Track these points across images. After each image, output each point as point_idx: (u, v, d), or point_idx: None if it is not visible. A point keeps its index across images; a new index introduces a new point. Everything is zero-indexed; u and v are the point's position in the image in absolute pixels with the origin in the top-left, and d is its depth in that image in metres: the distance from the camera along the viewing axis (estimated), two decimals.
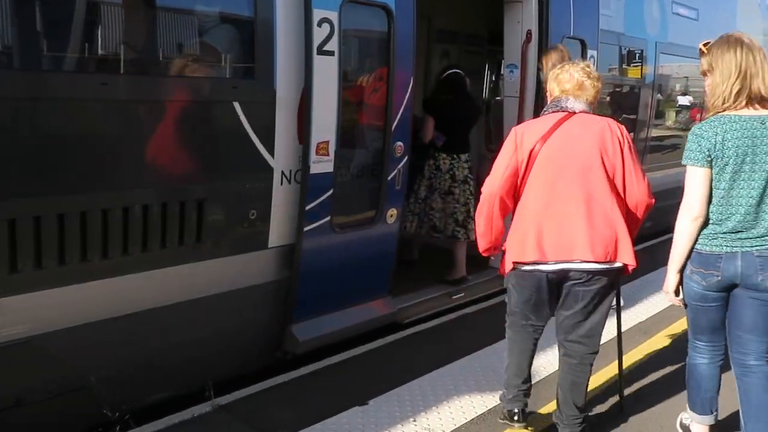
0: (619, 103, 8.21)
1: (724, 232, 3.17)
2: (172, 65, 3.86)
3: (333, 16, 4.33)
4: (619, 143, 3.35)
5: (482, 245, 3.62)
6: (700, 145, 3.13)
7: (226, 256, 4.18)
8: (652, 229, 7.31)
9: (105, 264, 3.62)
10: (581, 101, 3.44)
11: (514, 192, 3.43)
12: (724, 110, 3.15)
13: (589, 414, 3.81)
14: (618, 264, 3.31)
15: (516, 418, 3.64)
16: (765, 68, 3.11)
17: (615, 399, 4.12)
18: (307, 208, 4.46)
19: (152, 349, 3.98)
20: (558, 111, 3.45)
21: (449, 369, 4.59)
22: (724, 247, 3.16)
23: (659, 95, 8.57)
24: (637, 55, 7.96)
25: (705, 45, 3.28)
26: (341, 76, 4.46)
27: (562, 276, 3.32)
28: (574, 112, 3.40)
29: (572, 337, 3.47)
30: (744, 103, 3.13)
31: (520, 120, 6.40)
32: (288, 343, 4.66)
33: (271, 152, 4.26)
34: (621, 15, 7.63)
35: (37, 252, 3.35)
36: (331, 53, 4.36)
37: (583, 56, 6.84)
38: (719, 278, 3.18)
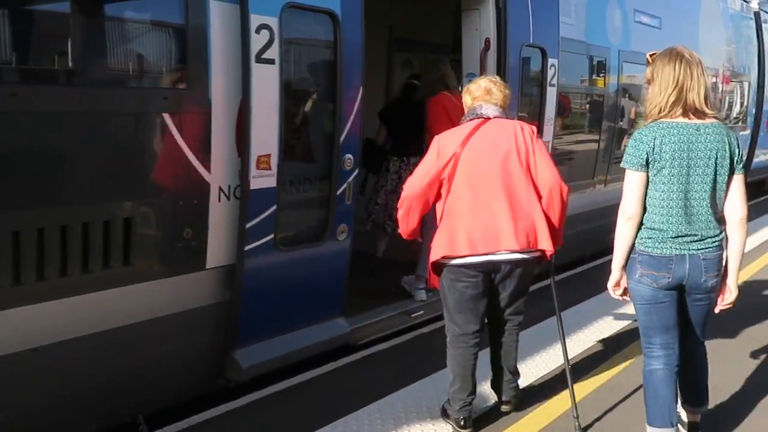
0: (584, 113, 8.07)
1: (671, 237, 3.30)
2: (95, 74, 3.57)
3: (272, 22, 4.09)
4: (531, 140, 3.71)
5: (402, 230, 3.98)
6: (638, 150, 3.28)
7: (159, 279, 3.89)
8: None
9: (18, 291, 3.31)
10: (492, 105, 3.80)
11: (434, 194, 3.74)
12: (660, 118, 3.30)
13: None
14: (538, 251, 3.67)
15: (463, 424, 3.80)
16: (701, 82, 3.28)
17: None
18: (248, 225, 4.19)
19: (77, 380, 3.66)
20: (475, 118, 3.79)
21: (402, 394, 4.32)
22: (674, 250, 3.30)
23: (624, 104, 8.44)
24: (600, 63, 7.83)
25: (651, 55, 3.44)
26: (283, 85, 4.20)
27: (492, 267, 3.62)
28: (489, 118, 3.75)
29: (504, 315, 3.86)
30: (679, 113, 3.28)
31: None
32: (230, 370, 4.37)
33: (207, 167, 3.99)
34: (583, 23, 7.49)
35: None
36: (271, 61, 4.11)
37: (544, 65, 6.69)
38: (669, 279, 3.32)
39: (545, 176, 3.68)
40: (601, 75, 7.95)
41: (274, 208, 4.31)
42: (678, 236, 3.27)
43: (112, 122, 3.57)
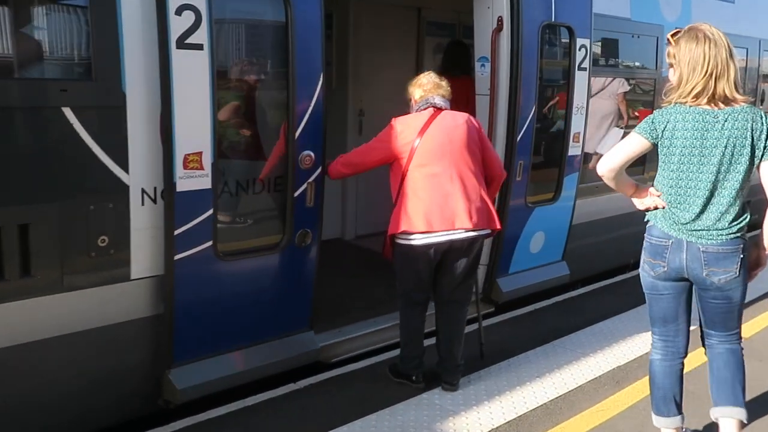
0: (631, 103, 7.08)
1: (672, 222, 3.20)
2: None
3: (199, 2, 3.59)
4: (479, 132, 4.16)
5: (332, 174, 4.31)
6: (653, 123, 3.18)
7: (69, 291, 3.51)
8: None
9: None
10: (440, 97, 4.13)
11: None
12: (679, 102, 3.15)
13: None
14: (489, 230, 4.11)
15: (415, 379, 4.21)
16: (731, 67, 3.09)
17: None
18: (178, 232, 3.74)
19: None
20: (428, 107, 4.09)
21: (358, 426, 3.77)
22: (672, 232, 3.19)
23: None
24: (650, 45, 6.84)
25: (673, 35, 3.21)
26: (215, 74, 3.70)
27: (448, 245, 3.96)
28: (441, 108, 4.10)
29: (453, 297, 4.18)
30: (704, 102, 3.12)
31: (491, 122, 5.49)
32: (166, 391, 3.95)
33: (124, 167, 3.56)
34: None
35: None
36: (198, 47, 3.62)
37: (571, 46, 5.85)
38: (665, 269, 3.23)
39: (495, 167, 4.25)
40: (652, 58, 6.95)
41: (210, 212, 3.83)
42: (679, 223, 3.18)
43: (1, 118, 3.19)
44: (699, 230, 3.15)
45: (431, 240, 3.94)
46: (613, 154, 3.24)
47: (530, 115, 5.58)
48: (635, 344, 4.88)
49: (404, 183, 3.99)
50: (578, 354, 4.72)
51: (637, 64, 7.06)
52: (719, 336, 3.36)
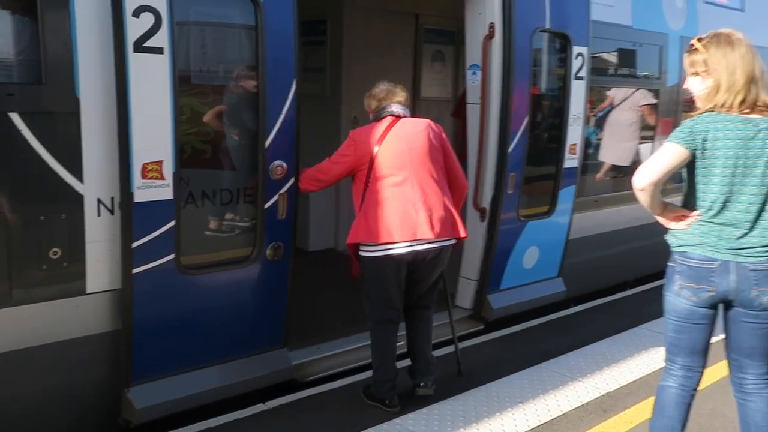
0: (637, 114, 6.82)
1: (715, 241, 2.94)
2: None
3: (159, 3, 3.41)
4: (441, 139, 4.03)
5: (302, 187, 4.16)
6: (692, 131, 2.91)
7: (19, 306, 3.34)
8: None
9: None
10: (398, 104, 4.04)
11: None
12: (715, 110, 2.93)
13: None
14: (453, 239, 4.00)
15: (389, 403, 4.02)
16: (765, 74, 2.94)
17: None
18: (136, 244, 3.56)
19: None
20: (386, 116, 4.00)
21: None
22: (717, 254, 2.93)
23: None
24: (653, 54, 6.59)
25: (700, 41, 3.01)
26: (176, 79, 3.52)
27: (409, 256, 3.86)
28: (399, 116, 3.99)
29: (420, 303, 4.15)
30: (745, 110, 2.91)
31: (482, 131, 5.28)
32: (125, 410, 3.76)
33: (78, 176, 3.39)
34: (628, 4, 6.29)
35: None
36: (158, 50, 3.44)
37: (567, 54, 5.62)
38: (712, 293, 2.96)
39: (459, 175, 4.15)
40: (655, 68, 6.70)
41: (171, 224, 3.65)
42: (725, 242, 2.92)
43: None
44: (748, 248, 2.90)
45: (393, 251, 3.82)
46: (652, 167, 2.94)
47: (523, 126, 5.36)
48: (627, 369, 4.61)
49: (365, 194, 3.88)
50: (566, 378, 4.47)
51: (639, 73, 6.80)
52: (759, 375, 3.03)
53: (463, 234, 4.01)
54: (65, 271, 3.45)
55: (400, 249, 3.82)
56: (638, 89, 6.74)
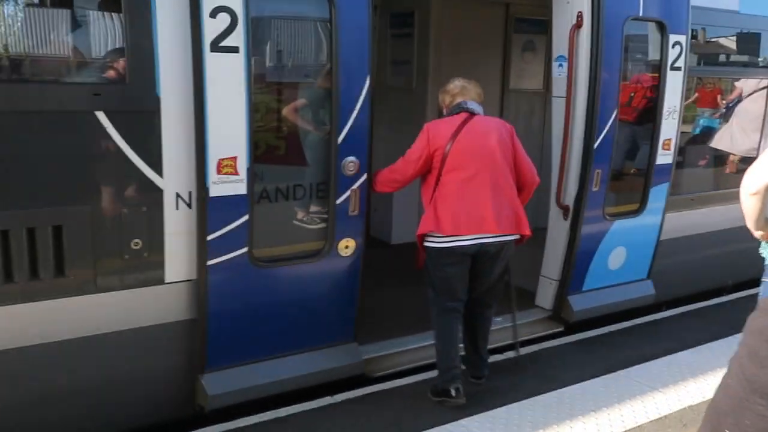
0: (747, 106, 6.34)
1: None
2: (3, 69, 3.26)
3: (235, 3, 3.49)
4: (511, 138, 4.10)
5: (377, 189, 4.28)
6: None
7: (102, 293, 3.55)
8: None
9: None
10: (471, 101, 4.13)
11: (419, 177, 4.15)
12: None
13: None
14: (516, 235, 4.07)
15: (455, 395, 4.01)
16: None
17: None
18: (211, 237, 3.69)
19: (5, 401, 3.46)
20: (461, 112, 4.08)
21: None
22: None
23: None
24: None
25: None
26: (251, 76, 3.61)
27: (476, 249, 3.97)
28: (473, 113, 4.07)
29: (481, 298, 4.21)
30: None
31: (567, 126, 5.08)
32: (198, 396, 3.93)
33: (158, 171, 3.55)
34: None
35: None
36: (233, 49, 3.53)
37: (663, 43, 5.29)
38: None
39: (527, 173, 4.16)
40: (764, 56, 6.19)
41: (245, 218, 3.76)
42: None
43: (32, 122, 3.24)
44: None
45: (459, 243, 3.93)
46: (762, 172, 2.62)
47: (611, 120, 5.11)
48: (714, 382, 4.30)
49: (436, 187, 3.98)
50: (646, 387, 4.25)
51: (746, 61, 6.31)
52: None
53: (527, 231, 4.06)
54: (145, 261, 3.63)
55: (465, 241, 3.93)
56: (745, 78, 6.26)
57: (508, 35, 7.52)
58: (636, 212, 5.55)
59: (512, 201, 4.01)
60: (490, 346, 4.70)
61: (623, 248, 5.53)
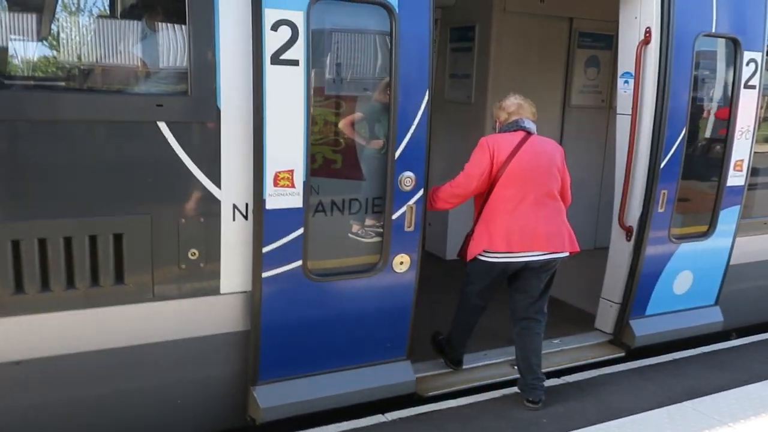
0: None
1: None
2: (73, 78, 3.34)
3: (297, 17, 3.50)
4: (562, 159, 4.24)
5: (437, 207, 4.35)
6: None
7: (159, 301, 3.58)
8: None
9: None
10: (528, 119, 4.23)
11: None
12: None
13: None
14: (566, 253, 4.21)
15: (456, 364, 4.61)
16: None
17: None
18: (266, 249, 3.69)
19: (67, 397, 3.52)
20: (519, 130, 4.20)
21: None
22: None
23: None
24: None
25: None
26: (310, 89, 3.60)
27: (523, 265, 4.14)
28: (530, 132, 4.20)
29: (528, 314, 4.29)
30: None
31: (632, 144, 4.91)
32: (251, 408, 3.92)
33: (217, 182, 3.57)
34: None
35: None
36: (293, 62, 3.54)
37: (736, 60, 5.07)
38: None
39: (565, 194, 4.32)
40: None
41: (300, 231, 3.75)
42: None
43: (96, 131, 3.31)
44: None
45: (509, 260, 4.13)
46: None
47: (679, 139, 4.91)
48: None
49: (488, 201, 4.12)
50: (713, 421, 4.02)
51: None
52: None
53: (576, 249, 4.23)
54: (202, 271, 3.65)
55: (515, 258, 4.11)
56: None
57: (571, 50, 7.37)
58: (704, 235, 5.31)
59: (561, 221, 4.16)
60: (547, 369, 4.64)
61: (690, 272, 5.30)
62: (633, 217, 5.00)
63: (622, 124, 5.03)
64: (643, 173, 4.92)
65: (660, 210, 4.97)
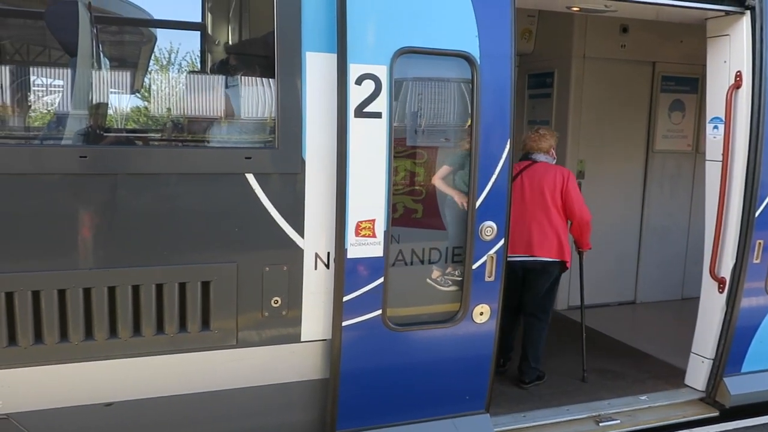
0: None
1: None
2: (164, 133, 3.51)
3: (380, 71, 3.58)
4: (563, 180, 4.99)
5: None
6: None
7: (242, 348, 3.66)
8: None
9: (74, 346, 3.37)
10: (539, 152, 5.15)
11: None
12: None
13: None
14: (558, 259, 5.01)
15: (502, 362, 5.23)
16: None
17: None
18: (347, 298, 3.72)
19: None
20: (528, 160, 5.13)
21: None
22: None
23: None
24: None
25: None
26: (392, 141, 3.66)
27: (520, 265, 4.99)
28: (537, 161, 5.10)
29: (531, 310, 5.17)
30: None
31: (722, 190, 4.71)
32: None
33: (300, 231, 3.65)
34: None
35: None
36: (376, 115, 3.61)
37: None
38: None
39: (571, 210, 5.00)
40: None
41: (380, 280, 3.76)
42: None
43: (191, 183, 3.46)
44: None
45: (515, 259, 4.91)
46: None
47: None
48: None
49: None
50: None
51: None
52: None
53: (567, 259, 5.01)
54: (284, 319, 3.71)
55: (518, 258, 4.94)
56: None
57: (654, 94, 7.21)
58: None
59: (555, 232, 4.93)
60: (633, 428, 4.55)
61: None
62: (726, 268, 4.76)
63: (712, 171, 4.84)
64: (736, 222, 4.70)
65: (756, 261, 4.72)
